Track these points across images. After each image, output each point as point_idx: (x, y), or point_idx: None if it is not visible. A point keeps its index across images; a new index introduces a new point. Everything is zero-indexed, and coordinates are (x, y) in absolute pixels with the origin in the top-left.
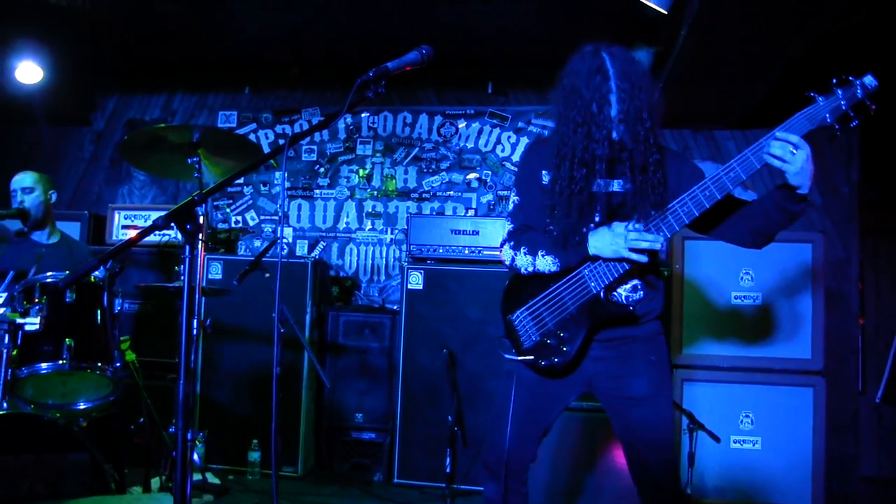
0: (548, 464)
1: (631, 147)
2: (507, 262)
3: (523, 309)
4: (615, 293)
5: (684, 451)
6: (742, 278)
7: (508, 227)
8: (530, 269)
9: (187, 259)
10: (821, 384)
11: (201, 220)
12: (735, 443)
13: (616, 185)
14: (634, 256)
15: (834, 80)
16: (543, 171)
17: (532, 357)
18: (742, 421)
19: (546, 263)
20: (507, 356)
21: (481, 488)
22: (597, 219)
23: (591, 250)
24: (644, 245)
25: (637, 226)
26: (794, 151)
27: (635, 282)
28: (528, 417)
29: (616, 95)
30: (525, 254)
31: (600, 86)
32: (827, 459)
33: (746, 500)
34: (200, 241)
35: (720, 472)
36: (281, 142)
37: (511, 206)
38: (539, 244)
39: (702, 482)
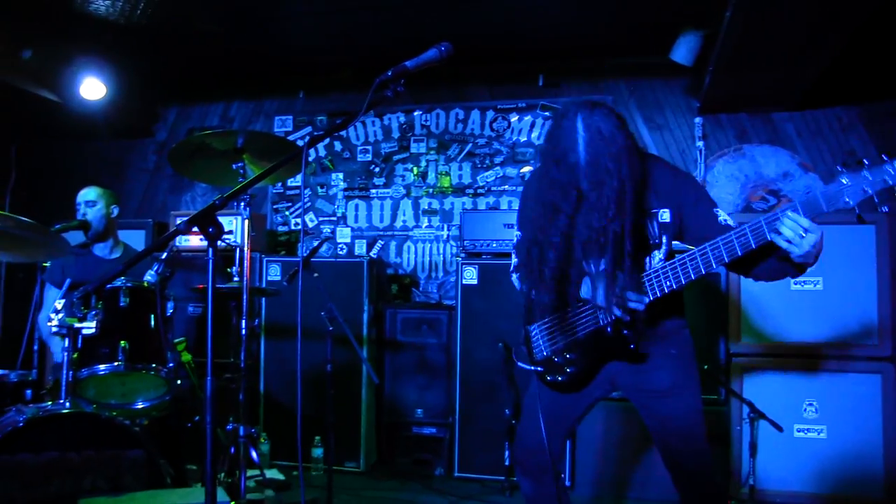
0: (595, 456)
1: (598, 190)
2: (519, 290)
3: (541, 323)
4: (621, 329)
5: (745, 441)
6: None
7: (514, 261)
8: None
9: (211, 261)
10: (889, 371)
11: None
12: (799, 432)
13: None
14: (619, 314)
15: (866, 161)
16: (540, 213)
17: (541, 369)
18: (805, 409)
19: (541, 300)
20: (519, 363)
21: (520, 485)
22: (586, 258)
23: (583, 295)
24: (628, 306)
25: (624, 279)
26: (804, 235)
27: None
28: (553, 416)
29: (582, 144)
30: (529, 289)
31: (570, 135)
32: None
33: (812, 490)
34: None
35: (784, 461)
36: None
37: (515, 240)
38: (538, 284)
39: (765, 472)
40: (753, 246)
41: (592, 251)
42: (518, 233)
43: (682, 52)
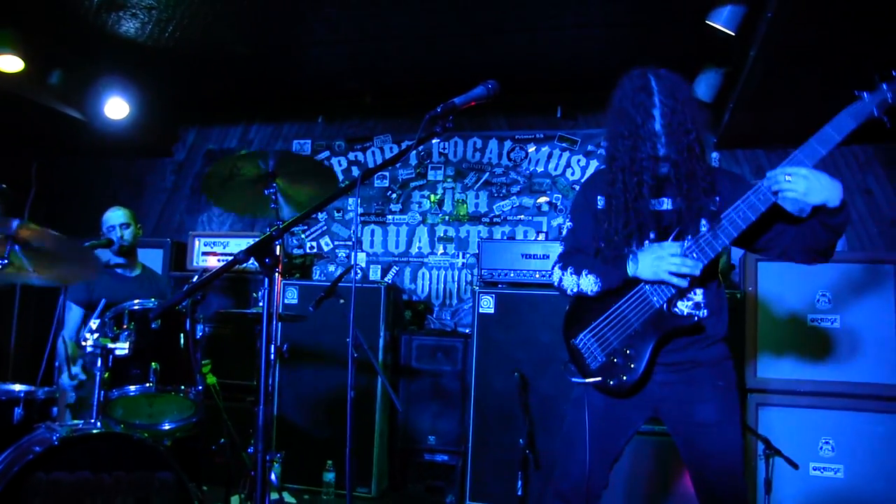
0: (622, 490)
1: (675, 158)
2: (556, 283)
3: (586, 332)
4: (676, 307)
5: (760, 478)
6: (819, 300)
7: (560, 250)
8: (575, 289)
9: (266, 290)
10: None
11: (278, 249)
12: (815, 470)
13: (666, 204)
14: (675, 281)
15: (876, 76)
16: (599, 197)
17: (600, 378)
18: (822, 448)
19: (588, 283)
20: (574, 381)
21: None
22: (652, 236)
23: (631, 271)
24: (684, 271)
25: (678, 249)
26: (789, 178)
27: (698, 298)
28: (600, 444)
29: (659, 109)
30: (571, 274)
31: (644, 101)
32: None
33: None
34: (277, 272)
35: (799, 500)
36: (354, 169)
37: (564, 231)
38: (584, 265)
39: None
40: (762, 208)
41: (650, 224)
42: (569, 223)
43: (702, 88)
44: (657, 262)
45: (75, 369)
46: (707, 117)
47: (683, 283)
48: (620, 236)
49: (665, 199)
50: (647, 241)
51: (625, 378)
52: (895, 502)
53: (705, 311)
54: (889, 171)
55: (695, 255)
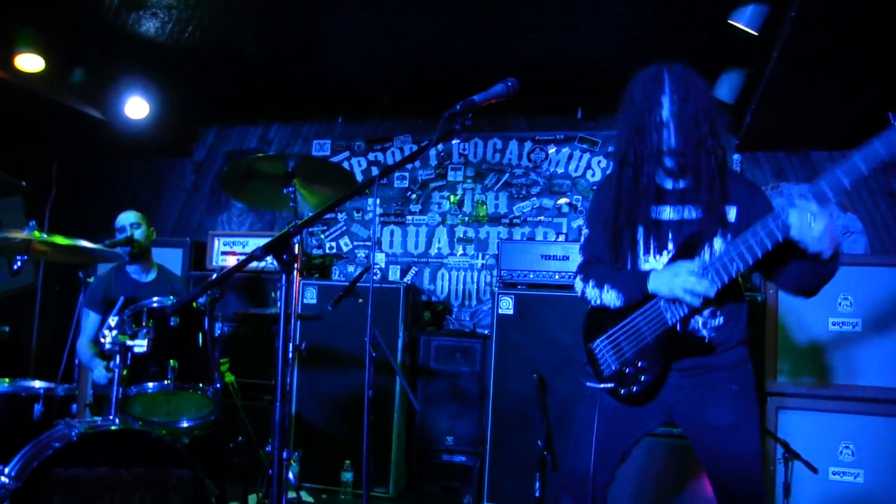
0: (633, 491)
1: (682, 149)
2: (579, 294)
3: (603, 337)
4: (693, 320)
5: (779, 482)
6: (840, 304)
7: (579, 259)
8: (598, 301)
9: (283, 287)
10: None
11: (297, 247)
12: (834, 475)
13: (669, 213)
14: (689, 299)
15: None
16: (608, 203)
17: (612, 385)
18: (842, 452)
19: (611, 298)
20: (588, 384)
21: None
22: (671, 248)
23: (651, 288)
24: (698, 290)
25: (695, 268)
26: (812, 224)
27: (712, 307)
28: (607, 442)
29: (668, 97)
30: (593, 287)
31: (654, 91)
32: None
33: None
34: (296, 269)
35: None
36: (374, 169)
37: (582, 240)
38: (605, 278)
39: None
40: (779, 238)
41: (664, 240)
42: (587, 231)
43: (724, 89)
44: (674, 279)
45: (112, 363)
46: (723, 113)
47: (696, 302)
48: (627, 248)
49: (669, 208)
50: (658, 254)
51: (634, 389)
52: None
53: (721, 318)
54: None
55: (711, 276)
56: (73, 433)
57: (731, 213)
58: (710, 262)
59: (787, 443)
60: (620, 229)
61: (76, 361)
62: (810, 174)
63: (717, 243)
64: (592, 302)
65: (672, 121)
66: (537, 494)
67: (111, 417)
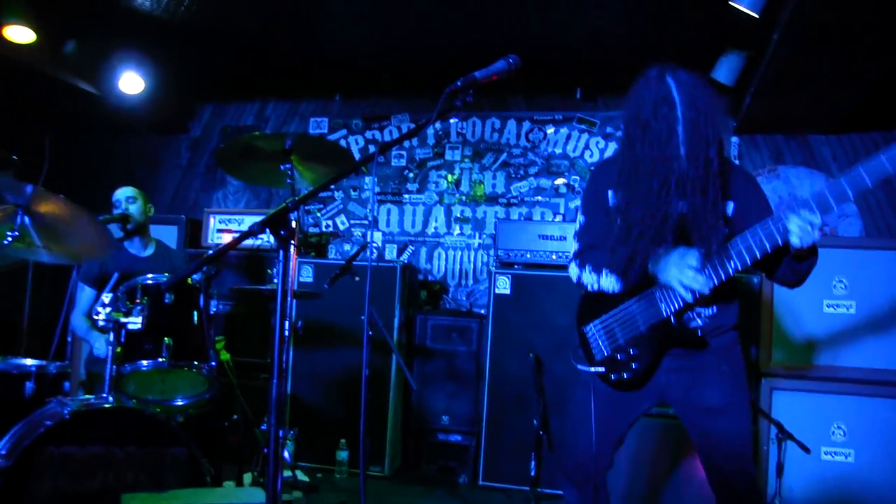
0: (627, 471)
1: (693, 175)
2: (574, 280)
3: (597, 322)
4: (687, 313)
5: (772, 461)
6: (835, 286)
7: (575, 246)
8: (595, 286)
9: (280, 263)
10: None
11: (294, 224)
12: (826, 454)
13: (683, 206)
14: (681, 292)
15: None
16: (610, 192)
17: (603, 369)
18: (834, 432)
19: (609, 283)
20: (579, 367)
21: (563, 494)
22: (668, 240)
23: (652, 269)
24: (694, 286)
25: (695, 262)
26: (810, 230)
27: (708, 296)
28: (603, 425)
29: (682, 125)
30: (591, 272)
31: (667, 115)
32: None
33: None
34: (293, 246)
35: (810, 483)
36: (371, 147)
37: (577, 226)
38: (602, 264)
39: (790, 494)
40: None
41: (666, 231)
42: (582, 218)
43: (724, 71)
44: (674, 268)
45: (111, 338)
46: (725, 119)
47: (689, 297)
48: (639, 237)
49: (681, 203)
50: (665, 244)
51: (625, 375)
52: None
53: (714, 308)
54: None
55: (708, 272)
56: (66, 411)
57: (729, 208)
58: (708, 258)
59: (780, 423)
60: (626, 218)
61: (69, 338)
62: (808, 158)
63: (716, 238)
64: (589, 287)
65: (685, 147)
66: (532, 474)
67: (104, 395)
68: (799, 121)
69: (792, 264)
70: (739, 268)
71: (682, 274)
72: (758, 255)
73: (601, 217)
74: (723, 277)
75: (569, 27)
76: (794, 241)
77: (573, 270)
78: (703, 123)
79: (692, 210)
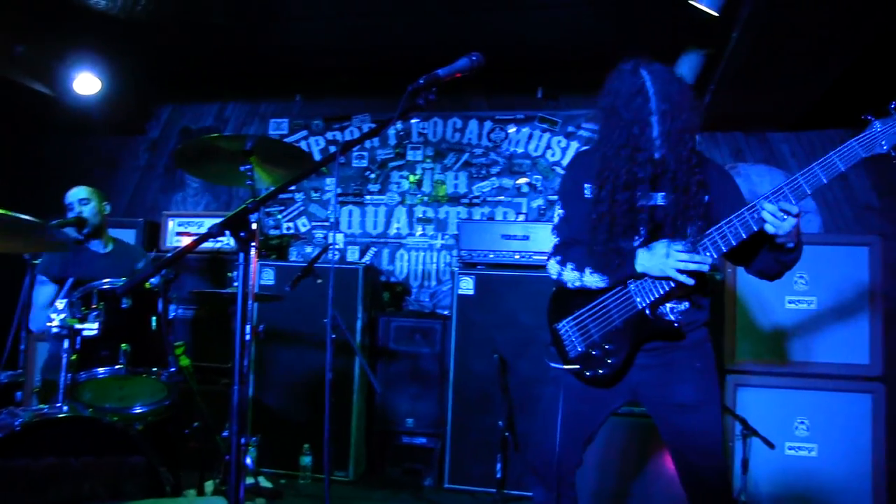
0: (595, 469)
1: (674, 168)
2: (554, 277)
3: (569, 319)
4: (661, 308)
5: (738, 458)
6: (796, 282)
7: (554, 240)
8: (577, 283)
9: (241, 266)
10: (880, 390)
11: (254, 226)
12: (790, 449)
13: (660, 199)
14: (681, 278)
15: (893, 105)
16: (587, 185)
17: (578, 367)
18: (797, 427)
19: (594, 280)
20: (552, 365)
21: (531, 493)
22: (641, 232)
23: (639, 268)
24: (692, 267)
25: (684, 246)
26: (785, 219)
27: (683, 295)
28: (574, 424)
29: (657, 117)
30: (572, 269)
31: (641, 108)
32: (891, 469)
33: None
34: (254, 248)
35: (775, 479)
36: (332, 148)
37: (556, 220)
38: (586, 261)
39: (756, 489)
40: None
41: (640, 223)
42: (561, 211)
43: (685, 69)
44: (665, 259)
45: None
46: (701, 116)
47: (690, 281)
48: (617, 236)
49: (659, 195)
50: (638, 237)
51: (600, 371)
52: (863, 478)
53: (686, 303)
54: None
55: (701, 252)
56: (17, 423)
57: (704, 201)
58: (700, 238)
59: (745, 419)
60: (603, 212)
61: (21, 346)
62: (767, 155)
63: (691, 229)
64: (570, 284)
65: (661, 140)
66: (499, 475)
67: (58, 405)
68: (758, 118)
69: (778, 257)
70: (715, 255)
71: (676, 261)
72: (733, 243)
73: (580, 210)
74: (716, 255)
75: (531, 26)
76: (769, 228)
77: (553, 267)
78: (678, 116)
79: (673, 203)
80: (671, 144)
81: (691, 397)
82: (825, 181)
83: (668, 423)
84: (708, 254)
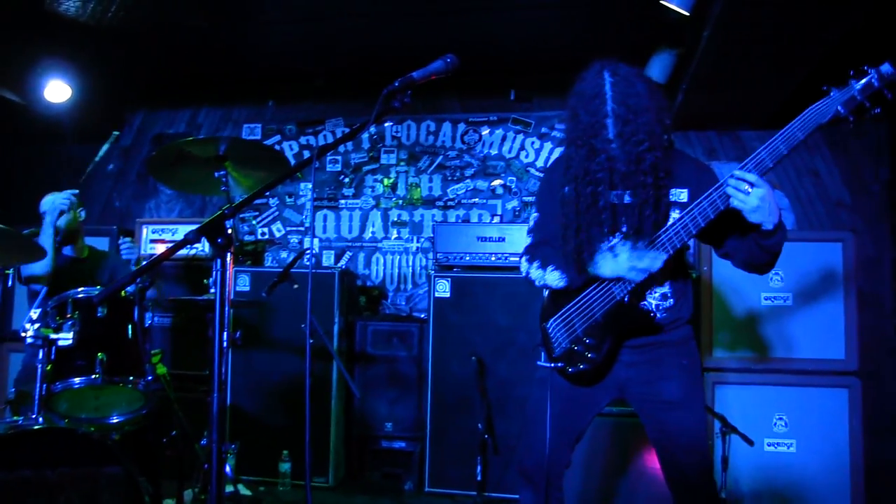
0: (580, 469)
1: (624, 169)
2: (523, 275)
3: (557, 316)
4: (644, 302)
5: (717, 455)
6: (772, 279)
7: (528, 241)
8: (541, 282)
9: (218, 272)
10: (856, 385)
11: (230, 232)
12: (769, 446)
13: (626, 197)
14: (633, 276)
15: (851, 72)
16: (566, 189)
17: (561, 363)
18: (776, 423)
19: (554, 278)
20: (539, 363)
21: (514, 496)
22: (605, 230)
23: (592, 271)
24: (641, 266)
25: (640, 245)
26: (749, 190)
27: (665, 290)
28: (562, 423)
29: (612, 119)
30: (538, 267)
31: (597, 109)
32: (868, 463)
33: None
34: (230, 255)
35: (754, 475)
36: (305, 153)
37: (531, 223)
38: (550, 259)
39: (736, 486)
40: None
41: (602, 222)
42: (536, 214)
43: (657, 70)
44: (615, 259)
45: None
46: (664, 119)
47: (639, 278)
48: (582, 234)
49: (625, 193)
50: (610, 236)
51: (581, 367)
52: (841, 472)
53: (671, 300)
54: (835, 153)
55: (657, 250)
56: None
57: (683, 195)
58: (657, 238)
59: (724, 417)
60: (569, 211)
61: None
62: (740, 153)
63: (647, 226)
64: (536, 283)
65: (617, 142)
66: (479, 478)
67: (33, 416)
68: (730, 117)
69: (758, 240)
70: (685, 239)
71: (627, 259)
72: (701, 224)
73: (554, 213)
74: (671, 251)
75: (503, 27)
76: (734, 203)
77: (523, 265)
78: (633, 120)
79: (630, 203)
80: (625, 146)
81: (678, 394)
82: (786, 152)
83: (654, 420)
84: (664, 251)
